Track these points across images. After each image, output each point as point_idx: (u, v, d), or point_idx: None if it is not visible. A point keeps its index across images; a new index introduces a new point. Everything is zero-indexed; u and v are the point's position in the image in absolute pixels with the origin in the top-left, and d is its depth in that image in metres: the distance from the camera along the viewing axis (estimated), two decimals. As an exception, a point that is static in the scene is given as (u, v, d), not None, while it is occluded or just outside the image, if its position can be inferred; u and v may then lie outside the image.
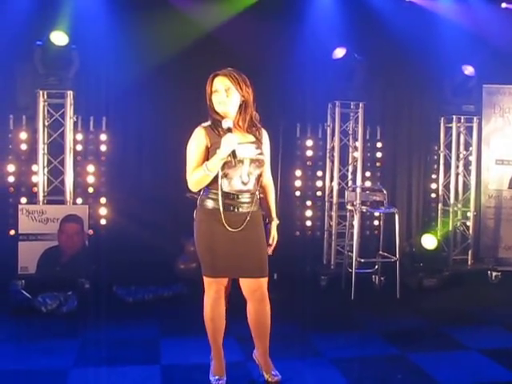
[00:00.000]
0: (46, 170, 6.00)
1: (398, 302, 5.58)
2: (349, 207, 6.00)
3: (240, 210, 3.33)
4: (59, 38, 5.59)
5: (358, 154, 6.45)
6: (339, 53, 6.15)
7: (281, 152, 6.03)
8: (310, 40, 6.27)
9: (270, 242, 3.56)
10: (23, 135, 6.19)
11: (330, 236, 6.53)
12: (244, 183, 3.33)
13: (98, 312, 4.69)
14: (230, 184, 3.31)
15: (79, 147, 6.27)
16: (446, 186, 6.88)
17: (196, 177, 3.28)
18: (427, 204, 7.30)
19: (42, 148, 5.93)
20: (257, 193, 3.43)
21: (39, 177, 5.93)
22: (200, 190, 3.39)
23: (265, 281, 3.43)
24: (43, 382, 3.64)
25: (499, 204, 6.85)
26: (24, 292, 5.20)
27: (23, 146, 6.20)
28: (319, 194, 6.79)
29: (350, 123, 6.49)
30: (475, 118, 6.72)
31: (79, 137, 6.27)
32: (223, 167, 3.26)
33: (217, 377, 3.50)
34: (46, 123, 5.99)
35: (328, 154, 6.56)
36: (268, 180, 3.58)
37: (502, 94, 6.85)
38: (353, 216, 5.94)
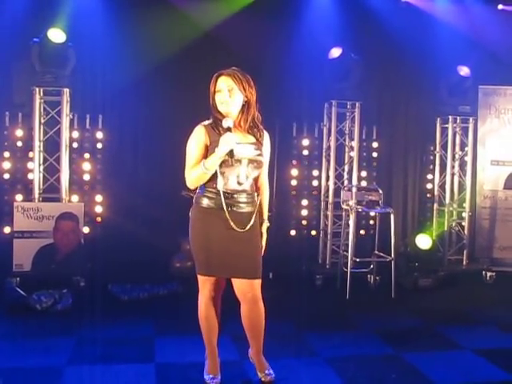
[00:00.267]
0: (41, 167, 5.98)
1: (393, 302, 5.59)
2: (344, 207, 5.99)
3: (237, 209, 3.32)
4: (56, 35, 5.57)
5: (354, 154, 6.46)
6: (335, 52, 6.16)
7: (277, 151, 6.03)
8: (306, 39, 6.29)
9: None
10: (19, 132, 6.19)
11: (325, 235, 6.54)
12: (240, 183, 3.32)
13: (93, 310, 4.68)
14: (226, 183, 3.30)
15: (75, 145, 6.27)
16: (442, 187, 6.90)
17: (194, 174, 3.28)
18: (423, 204, 7.32)
19: (37, 145, 5.92)
20: (256, 194, 3.43)
21: (35, 174, 5.92)
22: (195, 188, 3.39)
23: (258, 282, 3.40)
24: (38, 379, 3.63)
25: (494, 204, 6.87)
26: (19, 289, 5.19)
27: (19, 143, 6.19)
28: (315, 193, 6.81)
29: (347, 123, 6.50)
30: (471, 119, 6.76)
31: (75, 134, 6.27)
32: (221, 166, 3.26)
33: (211, 375, 3.50)
34: (42, 120, 5.97)
35: (324, 154, 6.57)
36: (264, 181, 3.57)
37: (497, 94, 6.88)
38: (348, 215, 5.94)
